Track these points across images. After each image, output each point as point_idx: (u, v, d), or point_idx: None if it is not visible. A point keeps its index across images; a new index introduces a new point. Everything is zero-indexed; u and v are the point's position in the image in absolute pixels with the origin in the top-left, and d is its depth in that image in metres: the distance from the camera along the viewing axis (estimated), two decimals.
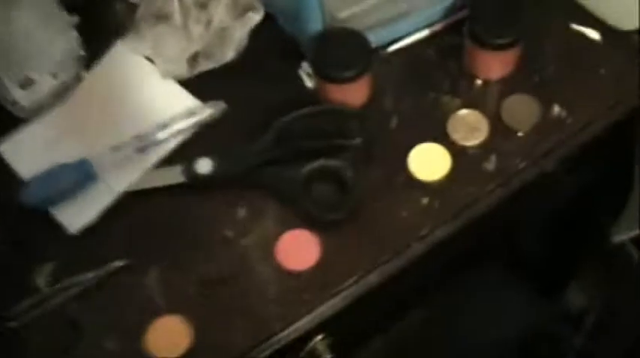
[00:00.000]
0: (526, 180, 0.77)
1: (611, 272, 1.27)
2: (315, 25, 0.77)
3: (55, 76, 0.82)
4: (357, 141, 0.75)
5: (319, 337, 0.76)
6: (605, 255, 1.25)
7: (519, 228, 1.04)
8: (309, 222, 0.75)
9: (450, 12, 0.83)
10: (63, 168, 0.77)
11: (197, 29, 0.83)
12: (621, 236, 1.21)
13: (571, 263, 1.21)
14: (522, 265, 1.19)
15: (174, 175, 0.77)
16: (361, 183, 0.75)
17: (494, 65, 0.80)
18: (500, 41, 0.77)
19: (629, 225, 1.20)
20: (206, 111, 0.80)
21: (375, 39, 0.80)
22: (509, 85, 0.81)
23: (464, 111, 0.79)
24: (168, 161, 0.79)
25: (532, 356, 1.09)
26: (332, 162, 0.75)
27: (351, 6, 0.78)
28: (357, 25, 0.79)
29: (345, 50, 0.76)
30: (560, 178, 0.84)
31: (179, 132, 0.80)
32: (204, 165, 0.77)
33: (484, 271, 1.09)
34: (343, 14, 0.78)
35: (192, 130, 0.81)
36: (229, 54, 0.84)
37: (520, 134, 0.79)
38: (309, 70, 0.80)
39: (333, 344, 0.78)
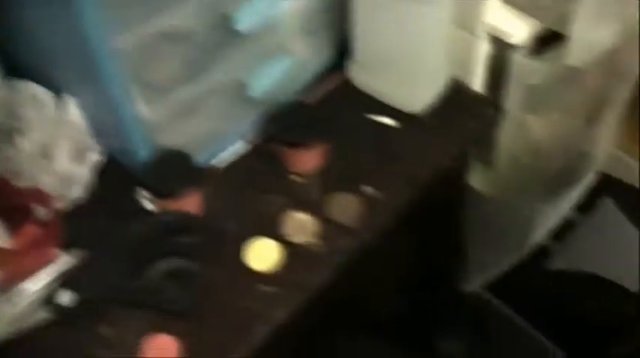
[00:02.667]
0: (350, 254, 0.89)
1: (474, 317, 1.40)
2: (142, 155, 0.88)
3: None
4: (190, 239, 0.86)
5: None
6: (466, 303, 1.38)
7: (372, 295, 1.15)
8: (168, 322, 0.83)
9: (261, 127, 0.97)
10: None
11: (46, 179, 0.92)
12: (472, 285, 1.35)
13: (434, 314, 1.32)
14: (390, 327, 1.29)
15: (40, 314, 0.85)
16: (204, 275, 0.85)
17: (305, 161, 0.93)
18: (302, 140, 0.91)
19: (475, 275, 1.33)
20: (67, 262, 0.88)
21: (202, 157, 0.92)
22: (325, 176, 0.94)
23: (294, 214, 0.90)
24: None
25: None
26: (175, 262, 0.85)
27: (176, 138, 0.89)
28: (185, 148, 0.90)
29: (172, 170, 0.88)
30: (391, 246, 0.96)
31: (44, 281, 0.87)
32: (64, 296, 0.85)
33: (352, 340, 1.18)
34: (168, 142, 0.89)
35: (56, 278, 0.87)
36: (77, 193, 0.93)
37: (346, 226, 0.90)
38: (146, 194, 0.90)
39: None
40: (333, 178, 0.94)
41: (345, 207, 0.91)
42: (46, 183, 0.91)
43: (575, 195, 1.47)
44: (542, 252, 1.45)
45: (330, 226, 0.90)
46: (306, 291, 0.86)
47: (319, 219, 0.90)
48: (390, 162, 0.95)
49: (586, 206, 1.47)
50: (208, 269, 0.86)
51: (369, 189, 0.92)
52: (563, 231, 1.47)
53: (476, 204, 1.25)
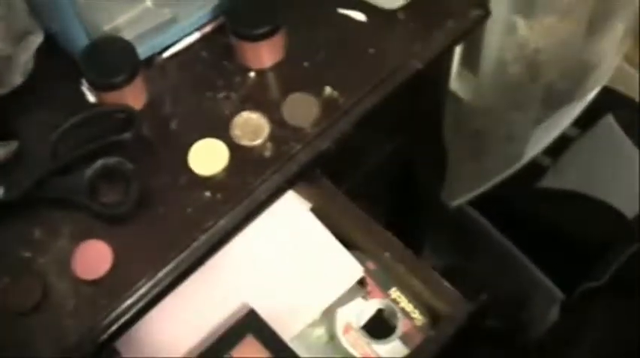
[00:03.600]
0: (302, 162, 0.81)
1: (457, 232, 1.34)
2: (81, 40, 0.80)
3: None
4: (128, 134, 0.78)
5: None
6: (449, 218, 1.32)
7: None
8: (102, 228, 0.77)
9: (216, 14, 0.87)
10: None
11: None
12: (457, 201, 1.28)
13: (413, 227, 1.26)
14: None
15: None
16: (144, 175, 0.78)
17: (261, 55, 0.84)
18: (258, 31, 0.82)
19: (461, 190, 1.26)
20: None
21: (147, 47, 0.84)
22: (282, 73, 0.86)
23: (246, 114, 0.82)
24: None
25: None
26: (111, 160, 0.78)
27: (114, 19, 0.81)
28: (126, 35, 0.82)
29: (112, 58, 0.80)
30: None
31: None
32: None
33: None
34: (107, 27, 0.81)
35: None
36: (16, 79, 0.86)
37: (302, 129, 0.82)
38: (87, 85, 0.83)
39: None
40: (292, 77, 0.86)
41: (303, 109, 0.83)
42: None
43: (577, 110, 1.38)
44: (535, 169, 1.37)
45: (284, 129, 0.83)
46: (254, 201, 0.79)
47: (273, 121, 0.83)
48: (357, 62, 0.86)
49: (586, 122, 1.38)
50: (147, 171, 0.80)
51: (330, 91, 0.84)
52: (560, 148, 1.38)
53: (463, 114, 1.17)
